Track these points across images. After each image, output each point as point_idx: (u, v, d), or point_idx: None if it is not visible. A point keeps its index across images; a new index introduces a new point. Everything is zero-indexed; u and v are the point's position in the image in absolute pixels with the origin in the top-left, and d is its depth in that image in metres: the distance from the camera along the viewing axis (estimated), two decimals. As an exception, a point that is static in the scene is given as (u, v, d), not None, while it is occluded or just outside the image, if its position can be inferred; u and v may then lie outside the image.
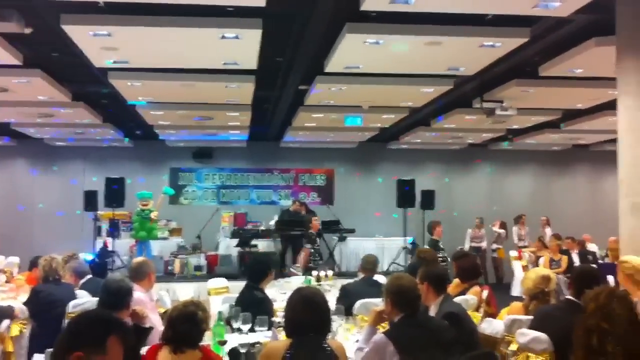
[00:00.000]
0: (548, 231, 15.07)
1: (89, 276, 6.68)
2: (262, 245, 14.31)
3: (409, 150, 18.00)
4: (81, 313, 2.57)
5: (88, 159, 17.22)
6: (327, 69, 9.22)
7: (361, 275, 6.64)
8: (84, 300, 5.74)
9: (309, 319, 3.57)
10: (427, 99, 11.63)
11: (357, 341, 4.60)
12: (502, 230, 15.52)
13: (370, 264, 6.65)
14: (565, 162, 18.79)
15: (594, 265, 9.63)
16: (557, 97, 11.67)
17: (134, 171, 16.77)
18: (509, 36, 7.97)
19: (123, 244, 14.27)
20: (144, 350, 3.69)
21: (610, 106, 10.81)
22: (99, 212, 14.40)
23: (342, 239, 14.74)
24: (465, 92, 11.40)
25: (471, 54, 8.51)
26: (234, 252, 14.09)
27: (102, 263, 12.71)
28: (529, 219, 15.74)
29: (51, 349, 2.42)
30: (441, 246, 11.45)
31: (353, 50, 8.25)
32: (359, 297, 5.78)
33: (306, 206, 15.28)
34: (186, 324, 3.50)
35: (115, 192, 13.72)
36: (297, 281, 7.80)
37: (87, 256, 12.50)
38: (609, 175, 16.40)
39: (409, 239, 14.62)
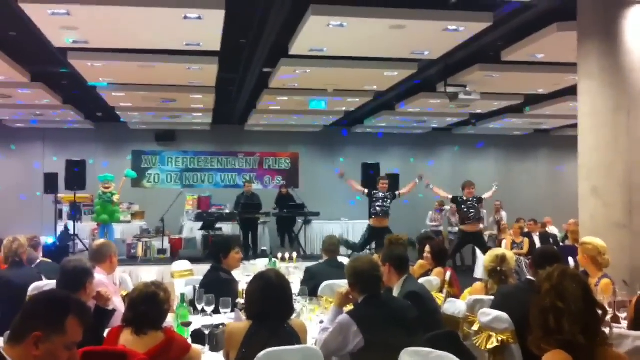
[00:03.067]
0: (503, 215, 15.32)
1: (39, 260, 6.59)
2: (227, 228, 14.25)
3: (373, 134, 18.07)
4: (38, 293, 2.54)
5: (48, 141, 16.94)
6: (292, 52, 9.17)
7: (325, 258, 6.62)
8: (44, 283, 5.64)
9: (269, 307, 3.58)
10: (392, 83, 11.67)
11: (321, 322, 4.62)
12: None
13: (332, 245, 6.62)
14: (527, 146, 19.07)
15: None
16: (519, 82, 11.81)
17: (95, 153, 16.53)
18: (472, 20, 8.02)
19: (85, 227, 14.09)
20: (106, 333, 3.66)
21: (571, 91, 10.97)
22: (59, 194, 14.16)
23: (307, 222, 14.76)
24: (429, 76, 11.45)
25: (435, 38, 8.54)
26: (198, 235, 14.01)
27: (63, 246, 12.54)
28: (491, 202, 15.91)
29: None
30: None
31: (317, 32, 8.22)
32: (324, 279, 5.79)
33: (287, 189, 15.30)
34: (147, 304, 3.47)
35: (77, 175, 13.50)
36: (262, 263, 7.79)
37: (48, 239, 12.32)
38: (569, 159, 16.68)
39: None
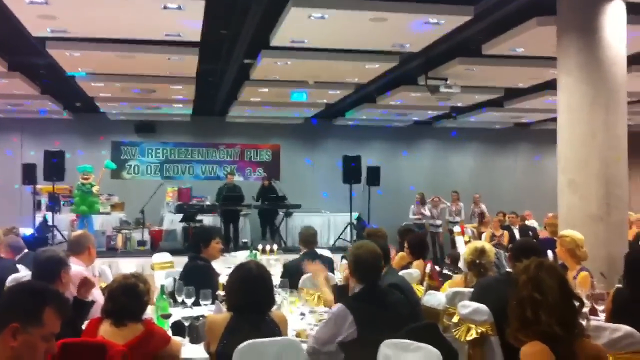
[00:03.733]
0: (483, 207, 15.48)
1: (26, 251, 6.52)
2: (207, 220, 14.19)
3: (354, 127, 18.10)
4: (15, 284, 2.52)
5: (26, 131, 16.73)
6: (273, 43, 9.14)
7: (302, 250, 6.51)
8: (22, 275, 5.58)
9: (249, 297, 3.57)
10: (373, 75, 11.68)
11: (302, 314, 4.63)
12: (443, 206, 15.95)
13: (309, 236, 6.55)
14: (507, 140, 19.21)
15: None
16: (500, 76, 11.87)
17: (74, 144, 16.38)
18: (452, 14, 8.04)
19: (64, 219, 13.96)
20: (84, 325, 3.64)
21: (550, 85, 11.05)
22: (38, 185, 14.01)
23: (288, 215, 14.76)
24: (411, 69, 11.47)
25: (416, 30, 8.55)
26: (179, 227, 13.96)
27: (42, 238, 12.43)
28: (469, 195, 16.08)
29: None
30: None
31: (298, 24, 8.20)
32: (302, 275, 5.75)
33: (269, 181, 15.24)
34: (126, 296, 3.45)
35: (55, 166, 13.36)
36: (242, 255, 7.77)
37: (27, 231, 12.21)
38: (548, 153, 16.84)
39: (355, 214, 14.75)
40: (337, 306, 3.78)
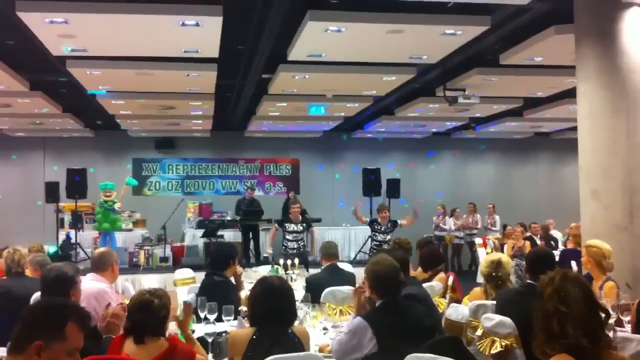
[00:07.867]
0: (497, 218, 15.39)
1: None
2: (228, 235, 14.24)
3: (373, 140, 18.08)
4: (36, 302, 2.54)
5: (49, 150, 16.96)
6: (290, 57, 9.17)
7: (325, 264, 6.49)
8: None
9: (272, 310, 3.57)
10: (390, 88, 11.67)
11: (324, 329, 4.62)
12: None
13: (331, 249, 6.54)
14: (527, 150, 19.07)
15: (555, 251, 9.82)
16: (518, 86, 11.81)
17: (96, 162, 16.55)
18: (469, 24, 8.01)
19: (86, 236, 14.09)
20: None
21: (569, 94, 10.97)
22: (60, 203, 14.15)
23: (308, 228, 14.72)
24: (428, 80, 11.45)
25: (433, 42, 8.54)
26: (200, 242, 14.00)
27: (65, 255, 12.53)
28: (484, 205, 15.99)
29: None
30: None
31: (315, 38, 8.22)
32: (324, 289, 5.73)
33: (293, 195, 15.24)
34: (142, 312, 3.44)
35: (77, 183, 13.49)
36: (264, 270, 7.77)
37: (50, 248, 12.31)
38: (569, 162, 16.69)
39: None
40: (356, 319, 3.76)
